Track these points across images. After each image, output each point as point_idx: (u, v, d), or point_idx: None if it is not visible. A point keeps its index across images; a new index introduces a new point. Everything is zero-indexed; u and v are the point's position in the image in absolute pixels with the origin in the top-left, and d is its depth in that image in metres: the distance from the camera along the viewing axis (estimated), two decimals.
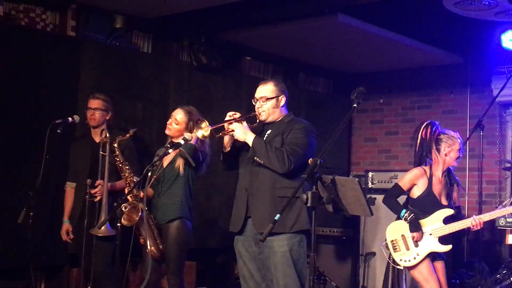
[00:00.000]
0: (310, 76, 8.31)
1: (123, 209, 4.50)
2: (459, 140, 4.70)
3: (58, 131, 4.76)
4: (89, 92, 5.36)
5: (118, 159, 4.80)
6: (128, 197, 4.61)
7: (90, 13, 5.95)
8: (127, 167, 4.82)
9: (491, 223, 5.87)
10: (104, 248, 4.85)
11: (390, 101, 8.49)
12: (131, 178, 4.82)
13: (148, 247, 4.58)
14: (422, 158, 4.72)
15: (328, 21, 6.24)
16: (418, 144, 4.72)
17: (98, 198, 4.92)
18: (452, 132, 4.75)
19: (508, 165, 6.52)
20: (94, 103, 5.07)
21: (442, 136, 4.70)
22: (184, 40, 6.80)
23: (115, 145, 4.80)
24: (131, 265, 5.88)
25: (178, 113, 4.87)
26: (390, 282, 4.93)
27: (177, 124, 4.82)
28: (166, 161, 4.84)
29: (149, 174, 3.85)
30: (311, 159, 3.13)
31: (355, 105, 3.30)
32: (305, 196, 3.03)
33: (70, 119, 4.90)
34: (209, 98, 6.85)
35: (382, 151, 8.46)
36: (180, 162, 4.76)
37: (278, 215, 3.10)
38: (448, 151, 4.67)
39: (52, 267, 5.68)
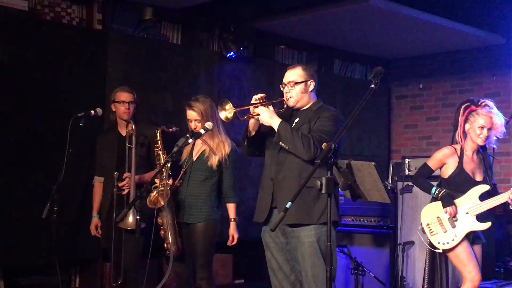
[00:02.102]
0: (346, 63, 8.13)
1: (153, 192, 4.47)
2: (485, 116, 4.44)
3: (80, 124, 4.71)
4: (117, 85, 5.29)
5: (157, 146, 4.73)
6: (156, 181, 4.55)
7: (117, 5, 5.92)
8: (165, 155, 4.73)
9: None
10: (133, 242, 4.78)
11: (430, 85, 8.28)
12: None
13: (169, 241, 4.54)
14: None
15: (358, 5, 6.07)
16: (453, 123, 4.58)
17: (126, 191, 4.87)
18: (485, 109, 4.48)
19: None
20: (128, 96, 4.99)
21: (470, 114, 4.49)
22: (214, 30, 6.71)
23: (158, 133, 4.73)
24: (165, 259, 5.86)
25: (190, 113, 4.73)
26: (427, 270, 4.73)
27: (199, 122, 4.70)
28: (195, 154, 4.76)
29: (168, 164, 3.76)
30: (325, 143, 2.98)
31: (372, 85, 3.13)
32: (319, 183, 2.88)
33: (92, 112, 4.84)
34: (241, 89, 6.75)
35: (423, 137, 8.27)
36: (213, 159, 4.67)
37: (289, 203, 2.96)
38: (468, 128, 4.47)
39: (86, 262, 5.68)
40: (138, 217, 3.83)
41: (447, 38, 7.27)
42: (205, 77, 6.46)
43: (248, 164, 6.61)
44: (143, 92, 5.63)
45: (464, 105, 4.53)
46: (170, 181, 4.62)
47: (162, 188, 4.51)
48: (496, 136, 4.48)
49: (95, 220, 5.09)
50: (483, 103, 4.52)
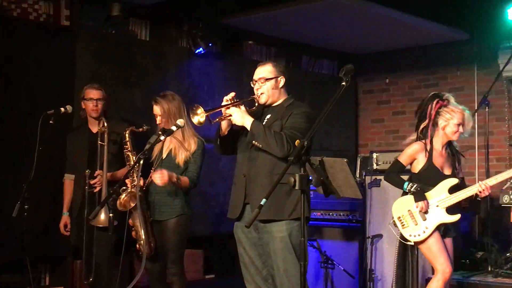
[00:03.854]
0: (314, 58, 8.19)
1: (122, 195, 4.48)
2: (459, 114, 4.54)
3: (50, 122, 4.69)
4: (86, 82, 5.29)
5: (127, 147, 4.75)
6: (127, 181, 4.57)
7: (84, 1, 5.87)
8: (134, 156, 4.75)
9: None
10: (105, 239, 4.79)
11: (396, 80, 8.39)
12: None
13: (141, 242, 4.55)
14: (420, 130, 4.63)
15: (325, 1, 6.12)
16: (418, 116, 4.64)
17: (97, 188, 4.88)
18: (458, 107, 4.59)
19: None
20: (96, 93, 5.00)
21: (442, 109, 4.57)
22: (182, 26, 6.70)
23: (127, 133, 4.74)
24: (136, 256, 5.86)
25: (155, 109, 4.78)
26: (397, 262, 4.82)
27: (163, 117, 4.74)
28: (165, 152, 4.77)
29: (141, 162, 3.77)
30: (298, 140, 3.03)
31: (343, 83, 3.19)
32: (292, 179, 2.93)
33: (62, 109, 4.83)
34: (210, 84, 6.76)
35: (389, 131, 8.38)
36: (180, 156, 4.69)
37: (264, 200, 3.00)
38: (444, 125, 4.56)
39: (56, 259, 5.65)
40: (111, 214, 3.83)
41: (412, 34, 7.37)
42: (174, 73, 6.46)
43: (218, 160, 6.63)
44: (112, 89, 5.61)
45: (436, 100, 4.60)
46: (141, 182, 4.63)
47: (132, 190, 4.53)
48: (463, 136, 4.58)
49: (65, 217, 5.09)
50: (447, 98, 4.62)
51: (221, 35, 6.98)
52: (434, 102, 4.59)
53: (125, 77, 6.07)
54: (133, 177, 4.55)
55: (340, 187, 3.16)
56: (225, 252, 6.83)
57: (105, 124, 4.87)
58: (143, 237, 4.55)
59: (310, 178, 3.03)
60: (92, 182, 4.86)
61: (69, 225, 5.06)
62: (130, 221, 4.64)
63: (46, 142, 4.71)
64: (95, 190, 4.89)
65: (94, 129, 5.00)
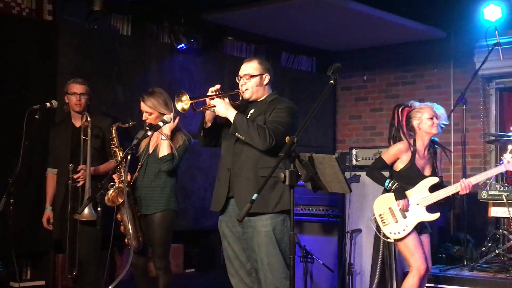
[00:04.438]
0: (293, 55, 8.27)
1: (110, 190, 4.52)
2: (428, 108, 4.66)
3: (36, 116, 4.71)
4: (68, 76, 5.31)
5: (113, 142, 4.78)
6: (115, 177, 4.60)
7: None
8: (121, 151, 4.77)
9: (475, 196, 5.90)
10: (88, 233, 4.82)
11: (374, 77, 8.49)
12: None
13: (130, 236, 4.59)
14: (395, 139, 4.72)
15: None
16: (390, 128, 4.76)
17: (81, 183, 4.90)
18: (424, 104, 4.72)
19: (492, 138, 6.52)
20: (80, 88, 5.01)
21: (410, 113, 4.70)
22: (164, 22, 6.73)
23: (113, 129, 4.77)
24: (117, 250, 5.90)
25: (142, 106, 4.81)
26: (380, 258, 4.91)
27: (151, 114, 4.77)
28: (151, 147, 4.81)
29: (128, 157, 3.81)
30: (288, 137, 3.10)
31: (331, 81, 3.26)
32: (282, 175, 3.00)
33: (48, 104, 4.85)
34: (191, 80, 6.80)
35: (367, 128, 8.48)
36: (165, 151, 4.73)
37: (255, 195, 3.06)
38: (418, 124, 4.67)
39: (37, 254, 5.66)
40: (99, 209, 3.87)
41: (390, 32, 7.47)
42: (156, 69, 6.49)
43: (199, 155, 6.68)
44: (94, 84, 5.60)
45: (400, 108, 4.72)
46: (128, 177, 4.67)
47: (120, 186, 4.56)
48: (442, 125, 4.70)
49: (48, 211, 5.10)
50: (412, 104, 4.76)
51: (202, 31, 7.02)
52: (400, 110, 4.71)
53: (107, 72, 6.09)
54: (121, 172, 4.58)
55: (329, 182, 3.24)
56: (205, 247, 6.88)
57: (88, 119, 4.90)
58: (131, 231, 4.59)
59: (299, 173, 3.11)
60: (75, 176, 4.89)
61: (52, 220, 5.08)
62: (118, 216, 4.67)
63: (31, 137, 4.72)
64: (78, 185, 4.90)
65: (77, 123, 5.02)
